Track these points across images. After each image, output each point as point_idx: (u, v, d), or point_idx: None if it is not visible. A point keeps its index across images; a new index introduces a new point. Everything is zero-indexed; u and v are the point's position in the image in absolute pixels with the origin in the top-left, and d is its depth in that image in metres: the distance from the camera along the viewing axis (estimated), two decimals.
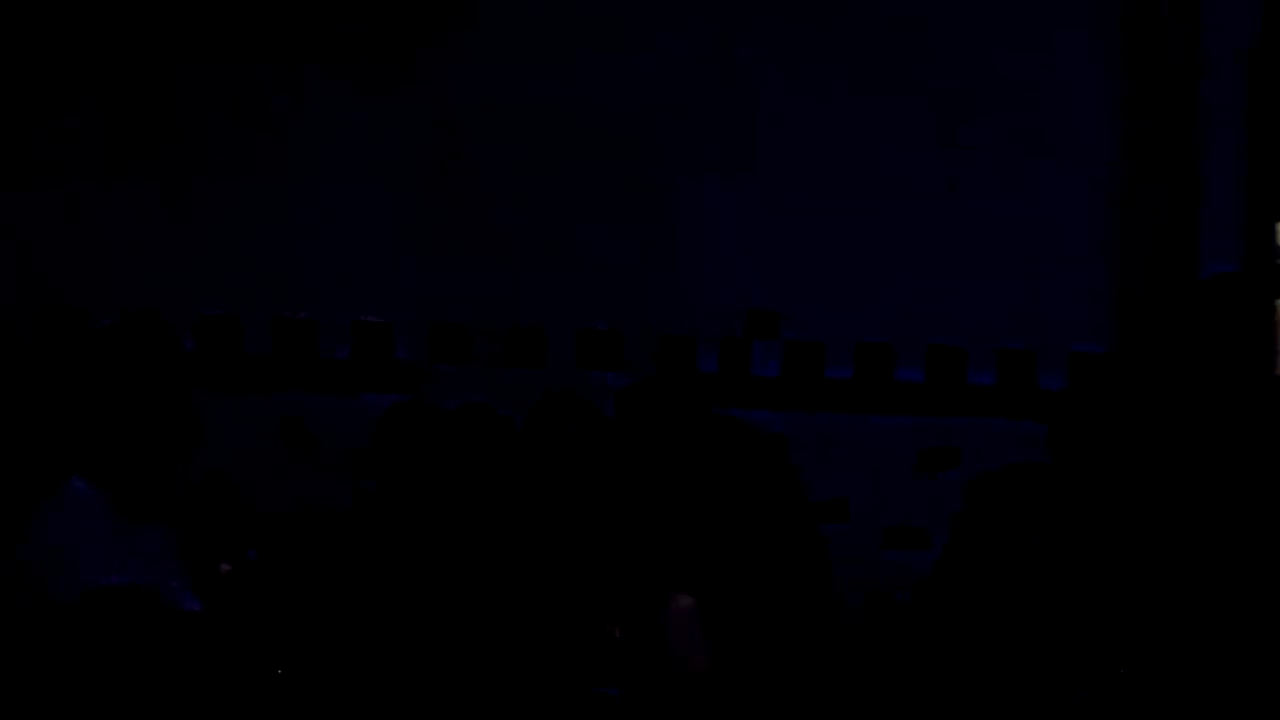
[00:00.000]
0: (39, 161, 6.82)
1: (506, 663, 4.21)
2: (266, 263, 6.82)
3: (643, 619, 1.64)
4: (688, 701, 1.64)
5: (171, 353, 3.72)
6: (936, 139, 6.90)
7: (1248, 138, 6.93)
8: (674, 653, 1.64)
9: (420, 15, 6.82)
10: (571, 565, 4.67)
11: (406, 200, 6.84)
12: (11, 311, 6.69)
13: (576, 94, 6.83)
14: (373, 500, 5.57)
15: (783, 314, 6.87)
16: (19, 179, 6.82)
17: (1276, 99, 6.92)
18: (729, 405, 6.03)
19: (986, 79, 6.89)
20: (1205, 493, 4.15)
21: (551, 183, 6.85)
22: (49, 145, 6.83)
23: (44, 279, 6.81)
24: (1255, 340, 4.44)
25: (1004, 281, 6.90)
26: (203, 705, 3.46)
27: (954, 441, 6.81)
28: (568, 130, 6.83)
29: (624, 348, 6.81)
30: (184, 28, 6.78)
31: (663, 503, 1.62)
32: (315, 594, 4.65)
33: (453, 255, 6.81)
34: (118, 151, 6.83)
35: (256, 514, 6.03)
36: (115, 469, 3.55)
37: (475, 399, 5.95)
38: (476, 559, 4.76)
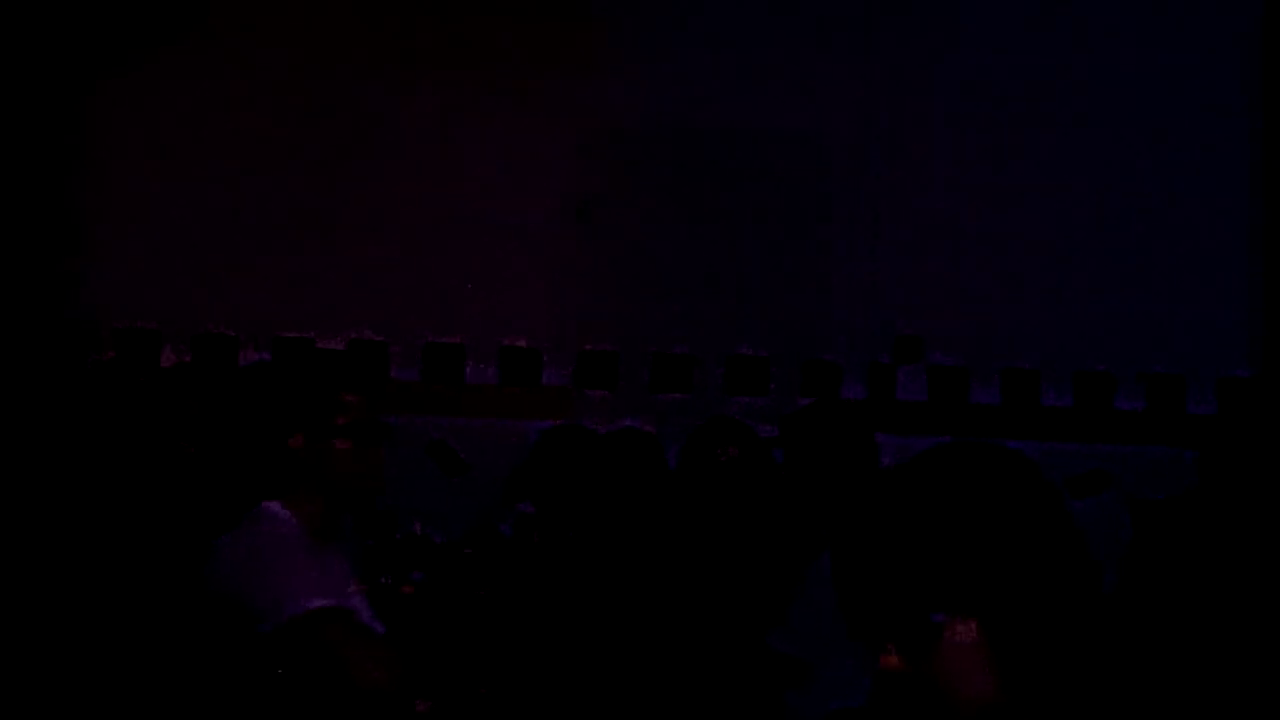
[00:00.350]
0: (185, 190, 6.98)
1: (676, 681, 4.25)
2: (417, 289, 6.91)
3: (920, 646, 1.66)
4: None
5: (369, 382, 3.77)
6: (1085, 172, 6.90)
7: None
8: (955, 681, 1.67)
9: (580, 46, 6.90)
10: (730, 587, 4.71)
11: (554, 228, 6.91)
12: (162, 338, 6.84)
13: (731, 125, 6.89)
14: (532, 522, 5.63)
15: (928, 339, 6.90)
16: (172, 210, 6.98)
17: None
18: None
19: (1135, 117, 6.89)
20: None
21: (702, 211, 6.91)
22: (200, 175, 6.98)
23: (197, 307, 6.95)
24: None
25: (1151, 307, 6.88)
26: None
27: (1102, 466, 6.79)
28: (721, 160, 6.89)
29: (770, 374, 6.84)
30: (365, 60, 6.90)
31: (927, 529, 1.65)
32: (486, 615, 4.71)
33: (602, 282, 6.88)
34: (269, 183, 6.96)
35: (415, 536, 6.11)
36: (308, 494, 3.61)
37: (623, 424, 5.99)
38: (639, 581, 4.81)
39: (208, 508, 4.09)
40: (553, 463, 5.60)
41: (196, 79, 6.95)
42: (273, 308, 6.92)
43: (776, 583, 4.56)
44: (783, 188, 6.95)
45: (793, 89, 6.93)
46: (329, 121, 6.90)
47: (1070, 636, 1.79)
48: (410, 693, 3.68)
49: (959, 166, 6.98)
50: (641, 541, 5.24)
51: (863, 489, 1.98)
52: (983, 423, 6.88)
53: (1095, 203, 6.94)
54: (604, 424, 6.04)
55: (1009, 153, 6.96)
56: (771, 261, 6.91)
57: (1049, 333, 6.93)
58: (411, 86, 6.87)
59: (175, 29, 6.91)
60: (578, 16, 6.94)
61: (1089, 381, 6.92)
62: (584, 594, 4.95)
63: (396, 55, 6.87)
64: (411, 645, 4.02)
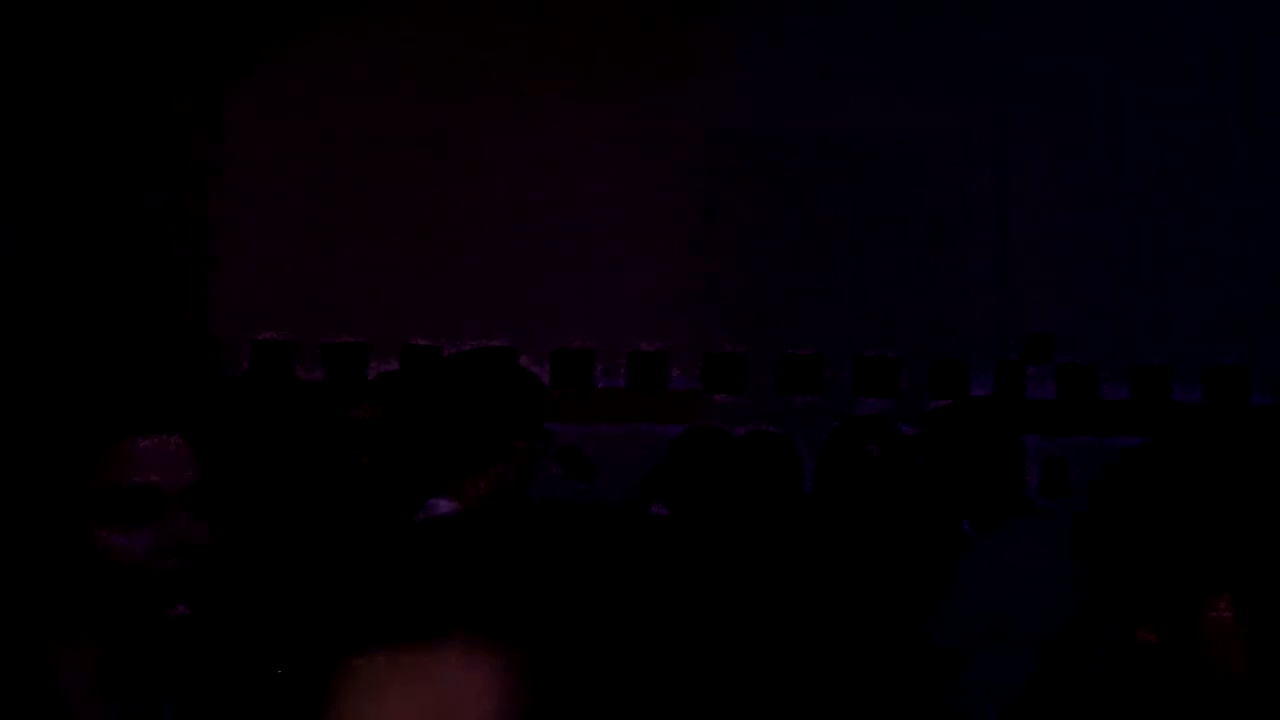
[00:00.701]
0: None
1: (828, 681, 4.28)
2: (544, 296, 6.97)
3: (1178, 625, 1.67)
4: (1224, 710, 1.69)
5: (535, 388, 3.85)
6: (1214, 167, 6.86)
7: None
8: (1212, 660, 1.68)
9: (688, 54, 6.94)
10: (875, 586, 4.73)
11: (679, 232, 6.94)
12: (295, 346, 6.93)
13: (847, 129, 6.90)
14: (667, 525, 5.67)
15: (1058, 337, 6.87)
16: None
17: None
18: None
19: (1267, 108, 6.84)
20: None
21: (823, 214, 6.92)
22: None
23: (325, 317, 7.03)
24: None
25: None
26: None
27: None
28: (839, 163, 6.90)
29: (899, 374, 6.85)
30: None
31: (1190, 502, 1.66)
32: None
33: (729, 285, 6.91)
34: (394, 193, 7.05)
35: None
36: (475, 492, 3.70)
37: (753, 427, 6.03)
38: (780, 582, 4.84)
39: (380, 513, 4.18)
40: (687, 465, 5.66)
41: (322, 88, 7.05)
42: (399, 316, 7.01)
43: (923, 579, 4.58)
44: (910, 188, 6.96)
45: (920, 88, 6.93)
46: (452, 129, 6.98)
47: None
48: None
49: (1084, 163, 6.96)
50: (781, 542, 5.27)
51: (1120, 464, 1.98)
52: (1113, 419, 6.85)
53: (1226, 197, 6.89)
54: (733, 427, 6.09)
55: (1134, 149, 6.93)
56: (898, 262, 6.92)
57: (1178, 328, 6.89)
58: (535, 93, 6.93)
59: (300, 35, 7.02)
60: (700, 21, 6.99)
61: (1220, 378, 6.87)
62: (726, 595, 4.95)
63: (520, 62, 6.93)
64: None
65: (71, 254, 6.78)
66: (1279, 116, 6.87)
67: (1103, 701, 2.07)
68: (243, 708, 1.91)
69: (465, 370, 3.94)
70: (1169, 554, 1.82)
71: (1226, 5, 6.97)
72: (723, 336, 6.94)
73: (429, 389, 3.90)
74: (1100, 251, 6.93)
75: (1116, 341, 6.90)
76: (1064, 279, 6.92)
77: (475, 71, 6.96)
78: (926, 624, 4.28)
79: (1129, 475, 1.90)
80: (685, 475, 5.63)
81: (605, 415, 6.95)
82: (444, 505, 3.70)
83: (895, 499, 4.85)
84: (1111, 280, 6.93)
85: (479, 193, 6.99)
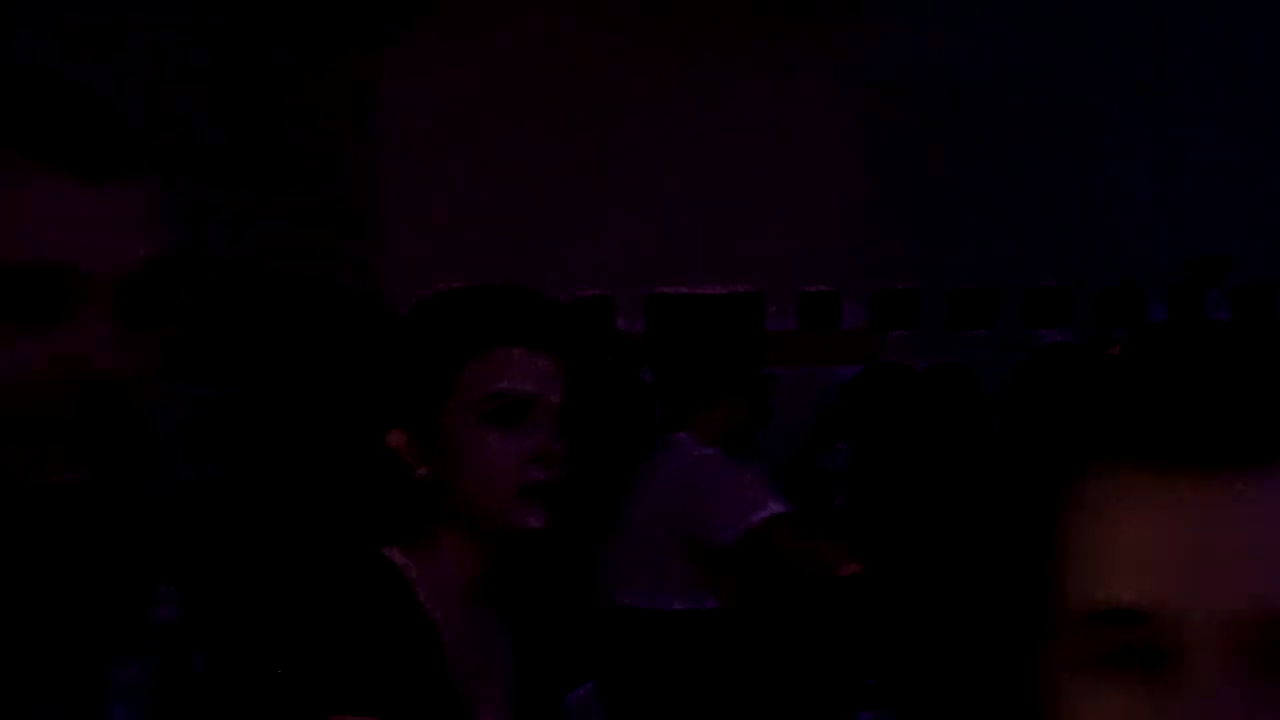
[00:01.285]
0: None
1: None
2: (714, 240, 7.01)
3: None
4: None
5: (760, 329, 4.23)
6: None
7: None
8: None
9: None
10: None
11: (846, 171, 6.95)
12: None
13: (1007, 63, 6.87)
14: (852, 461, 5.72)
15: (1233, 258, 6.81)
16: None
17: None
18: None
19: None
20: None
21: (986, 150, 6.90)
22: None
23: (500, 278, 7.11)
24: None
25: None
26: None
27: None
28: (1000, 97, 6.88)
29: (1073, 304, 6.82)
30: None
31: None
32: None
33: (895, 223, 6.91)
34: (564, 149, 7.12)
35: None
36: (712, 428, 3.97)
37: (928, 362, 6.04)
38: (974, 513, 4.86)
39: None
40: (868, 402, 5.69)
41: (482, 49, 7.14)
42: (571, 270, 7.09)
43: None
44: (1073, 118, 6.92)
45: (1079, 15, 6.89)
46: (618, 84, 7.04)
47: None
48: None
49: (1246, 81, 6.88)
50: (970, 473, 5.29)
51: None
52: None
53: None
54: (909, 363, 6.10)
55: None
56: (1065, 191, 6.89)
57: None
58: (700, 43, 6.97)
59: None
60: None
61: None
62: (920, 525, 5.01)
63: (684, 11, 6.97)
64: None
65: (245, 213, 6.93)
66: None
67: None
68: None
69: (705, 314, 4.19)
70: None
71: None
72: (893, 273, 6.95)
73: (675, 330, 4.12)
74: (1268, 167, 6.85)
75: None
76: (1232, 199, 6.85)
77: (639, 24, 7.00)
78: None
79: None
80: (867, 412, 5.66)
81: (778, 357, 6.97)
82: (684, 438, 3.95)
83: None
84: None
85: (644, 144, 7.04)
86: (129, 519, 1.32)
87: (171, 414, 1.57)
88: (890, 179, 6.94)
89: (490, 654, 1.87)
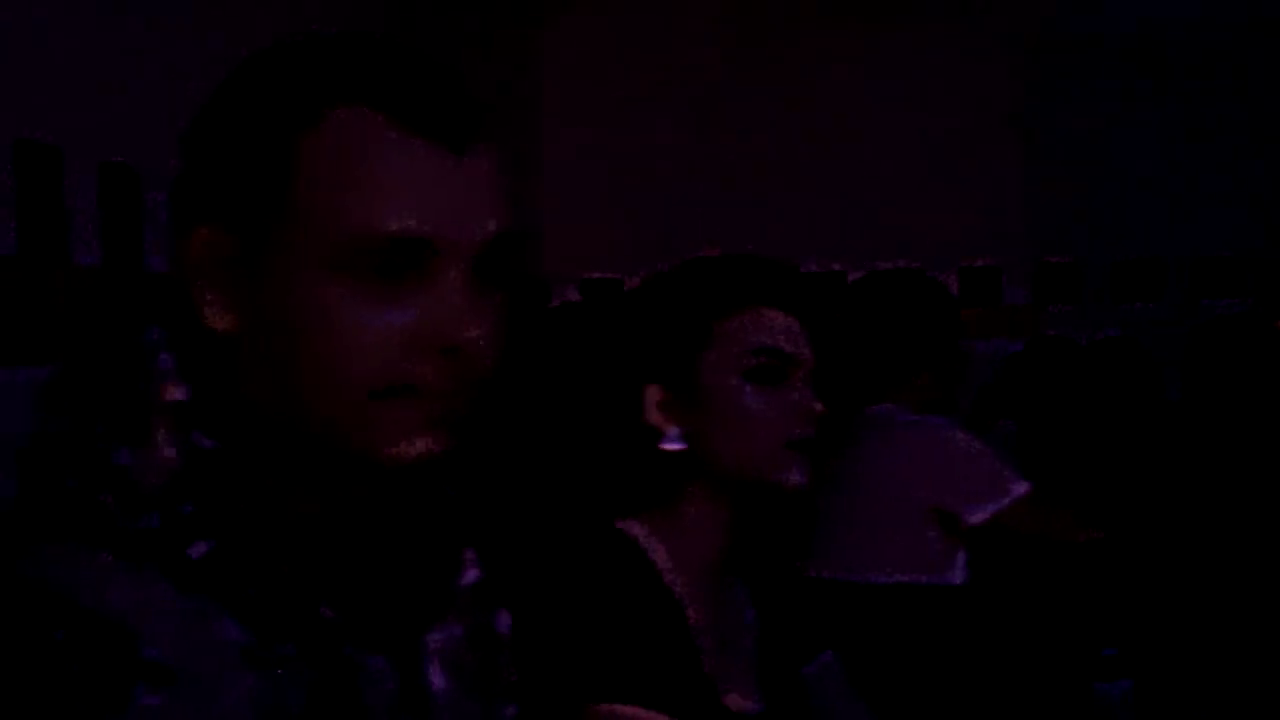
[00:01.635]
0: None
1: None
2: (871, 216, 6.97)
3: None
4: None
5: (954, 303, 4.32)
6: None
7: None
8: None
9: None
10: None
11: (1002, 140, 6.87)
12: None
13: (1168, 19, 6.74)
14: (1015, 439, 5.65)
15: None
16: None
17: None
18: None
19: None
20: None
21: (1152, 111, 6.77)
22: None
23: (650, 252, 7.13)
24: None
25: None
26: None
27: None
28: (1161, 61, 6.75)
29: (1247, 275, 6.68)
30: None
31: None
32: None
33: (1057, 193, 6.82)
34: (712, 122, 7.10)
35: None
36: (911, 400, 4.00)
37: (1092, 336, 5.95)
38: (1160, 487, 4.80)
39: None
40: (1034, 376, 5.62)
41: (642, 28, 7.15)
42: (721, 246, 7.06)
43: None
44: (1232, 82, 6.77)
45: None
46: (772, 60, 7.01)
47: None
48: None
49: None
50: (1147, 447, 5.20)
51: None
52: None
53: None
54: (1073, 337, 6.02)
55: None
56: (1229, 159, 6.75)
57: None
58: (860, 16, 6.93)
59: None
60: None
61: None
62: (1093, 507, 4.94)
63: None
64: None
65: None
66: None
67: None
68: None
69: (901, 288, 4.21)
70: None
71: None
72: (1055, 246, 6.86)
73: (869, 305, 4.16)
74: None
75: None
76: None
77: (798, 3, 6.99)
78: None
79: None
80: (1033, 386, 5.60)
81: None
82: (888, 409, 3.99)
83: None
84: None
85: (791, 118, 7.02)
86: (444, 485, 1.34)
87: None
88: (1050, 147, 6.84)
89: (733, 625, 1.87)
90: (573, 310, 5.33)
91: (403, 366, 1.15)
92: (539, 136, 7.16)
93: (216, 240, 1.17)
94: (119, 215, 4.60)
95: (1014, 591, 4.22)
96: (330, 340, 1.13)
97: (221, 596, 1.14)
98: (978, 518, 3.82)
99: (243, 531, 1.16)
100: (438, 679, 1.25)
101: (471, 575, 1.34)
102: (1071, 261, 6.87)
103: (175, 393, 1.19)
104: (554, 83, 7.21)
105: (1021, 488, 3.85)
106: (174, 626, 1.09)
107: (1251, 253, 6.70)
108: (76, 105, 4.36)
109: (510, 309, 1.22)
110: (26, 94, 4.19)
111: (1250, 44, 6.67)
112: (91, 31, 4.42)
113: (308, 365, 1.14)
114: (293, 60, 1.19)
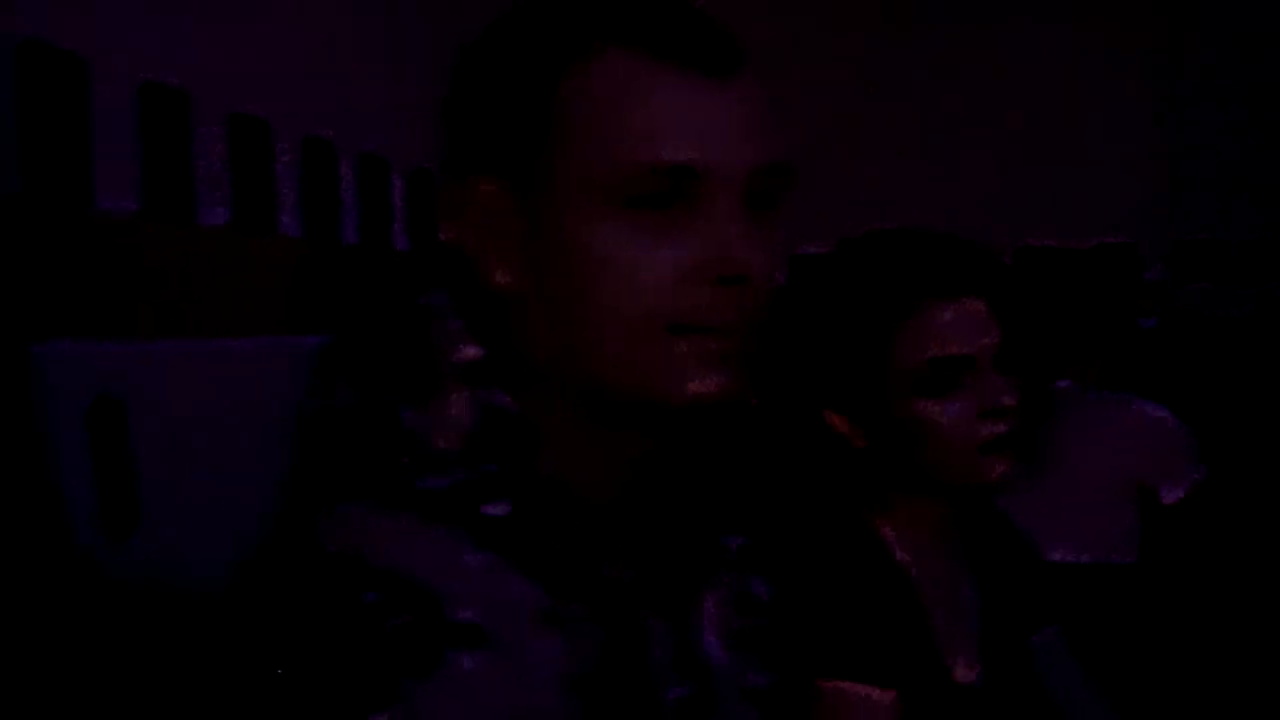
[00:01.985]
0: None
1: None
2: (1004, 197, 6.97)
3: None
4: None
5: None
6: None
7: None
8: None
9: None
10: None
11: (1143, 125, 6.85)
12: None
13: None
14: None
15: None
16: None
17: None
18: None
19: None
20: None
21: None
22: None
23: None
24: None
25: None
26: None
27: None
28: None
29: None
30: None
31: None
32: None
33: (1193, 174, 6.79)
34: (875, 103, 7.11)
35: None
36: (1089, 377, 4.05)
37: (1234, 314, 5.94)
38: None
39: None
40: (1170, 354, 5.63)
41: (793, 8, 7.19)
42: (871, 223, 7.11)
43: None
44: None
45: None
46: (923, 39, 7.05)
47: None
48: None
49: None
50: None
51: None
52: None
53: None
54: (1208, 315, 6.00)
55: None
56: None
57: None
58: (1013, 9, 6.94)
59: None
60: None
61: None
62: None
63: None
64: None
65: None
66: None
67: None
68: None
69: (1085, 266, 4.20)
70: None
71: None
72: (1192, 225, 6.84)
73: (1056, 285, 4.14)
74: None
75: None
76: None
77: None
78: None
79: None
80: (1169, 363, 5.61)
81: None
82: (1070, 387, 4.00)
83: None
84: None
85: (943, 102, 7.05)
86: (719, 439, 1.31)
87: None
88: (1187, 127, 6.81)
89: (959, 599, 1.82)
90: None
91: (691, 300, 1.11)
92: None
93: (492, 191, 1.16)
94: (319, 188, 4.70)
95: (1215, 572, 4.21)
96: (618, 277, 1.13)
97: (514, 556, 1.13)
98: (1174, 495, 3.81)
99: (536, 491, 1.16)
100: (712, 641, 1.24)
101: (739, 538, 1.31)
102: (1208, 240, 6.84)
103: (469, 352, 1.19)
104: None
105: (1197, 475, 3.84)
106: (477, 588, 1.11)
107: None
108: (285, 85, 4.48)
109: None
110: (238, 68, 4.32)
111: None
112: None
113: (597, 307, 1.13)
114: (550, 6, 1.19)
